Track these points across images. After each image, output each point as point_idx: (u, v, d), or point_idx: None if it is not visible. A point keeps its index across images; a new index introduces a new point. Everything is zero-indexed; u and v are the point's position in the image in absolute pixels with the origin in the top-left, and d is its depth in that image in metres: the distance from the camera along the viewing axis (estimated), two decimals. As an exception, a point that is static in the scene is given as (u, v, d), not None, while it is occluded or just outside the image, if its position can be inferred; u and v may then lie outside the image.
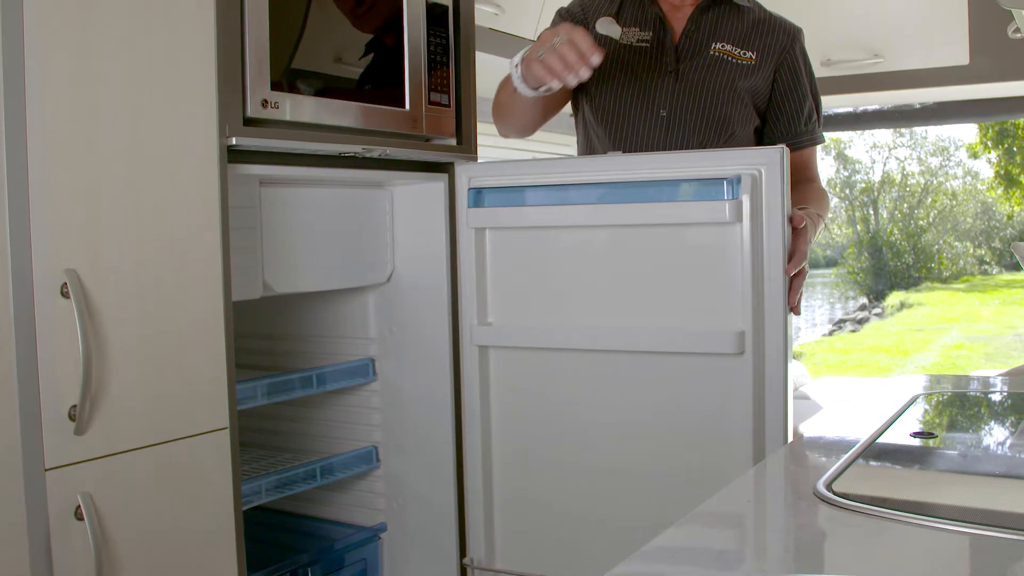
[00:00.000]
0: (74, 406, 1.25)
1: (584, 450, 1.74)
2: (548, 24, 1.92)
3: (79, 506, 1.25)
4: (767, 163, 1.58)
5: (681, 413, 1.67)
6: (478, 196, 1.75)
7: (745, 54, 1.85)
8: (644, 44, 1.85)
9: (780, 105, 1.91)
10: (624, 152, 1.83)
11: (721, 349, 1.61)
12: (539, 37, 1.69)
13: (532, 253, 1.76)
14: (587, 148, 1.95)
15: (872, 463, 1.31)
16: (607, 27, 1.84)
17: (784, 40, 1.89)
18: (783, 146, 1.62)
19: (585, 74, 1.58)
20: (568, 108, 2.00)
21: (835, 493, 1.12)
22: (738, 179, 1.57)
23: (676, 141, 1.83)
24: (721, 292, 1.61)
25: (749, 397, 1.59)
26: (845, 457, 1.27)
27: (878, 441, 1.39)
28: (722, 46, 1.84)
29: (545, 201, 1.72)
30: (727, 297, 1.60)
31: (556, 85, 1.62)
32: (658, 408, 1.68)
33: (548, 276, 1.74)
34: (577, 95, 1.95)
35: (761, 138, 1.93)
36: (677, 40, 1.85)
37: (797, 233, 1.66)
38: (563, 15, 1.93)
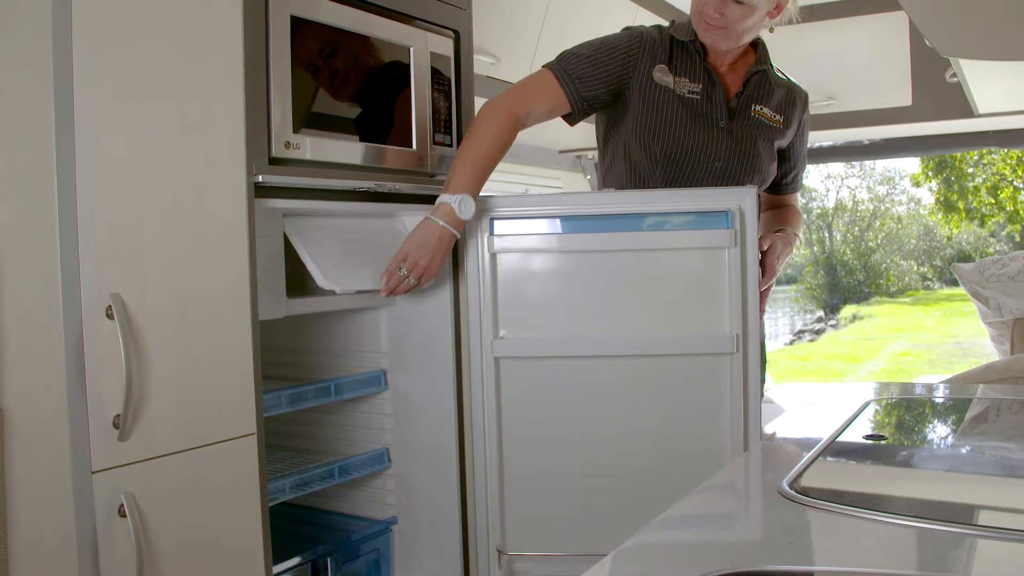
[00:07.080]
0: (118, 415, 1.24)
1: (590, 447, 1.77)
2: (609, 33, 1.85)
3: (122, 505, 1.24)
4: (745, 199, 1.71)
5: (680, 408, 1.75)
6: (494, 225, 1.77)
7: (775, 117, 1.91)
8: (694, 96, 1.83)
9: (788, 158, 2.01)
10: None
11: (722, 349, 1.72)
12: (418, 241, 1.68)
13: (543, 274, 1.78)
14: (630, 185, 1.88)
15: (830, 461, 1.31)
16: (662, 76, 1.82)
17: (801, 107, 1.97)
18: (756, 186, 1.76)
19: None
20: (555, 142, 1.99)
21: (797, 491, 1.12)
22: (732, 212, 1.70)
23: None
24: (715, 303, 1.72)
25: (740, 389, 1.71)
26: (806, 457, 1.28)
27: (835, 442, 1.39)
28: (760, 108, 1.88)
29: (562, 230, 1.77)
30: (720, 307, 1.72)
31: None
32: (659, 405, 1.75)
33: (557, 294, 1.77)
34: (618, 135, 1.88)
35: None
36: (729, 98, 1.86)
37: (765, 253, 1.79)
38: (627, 38, 1.84)
